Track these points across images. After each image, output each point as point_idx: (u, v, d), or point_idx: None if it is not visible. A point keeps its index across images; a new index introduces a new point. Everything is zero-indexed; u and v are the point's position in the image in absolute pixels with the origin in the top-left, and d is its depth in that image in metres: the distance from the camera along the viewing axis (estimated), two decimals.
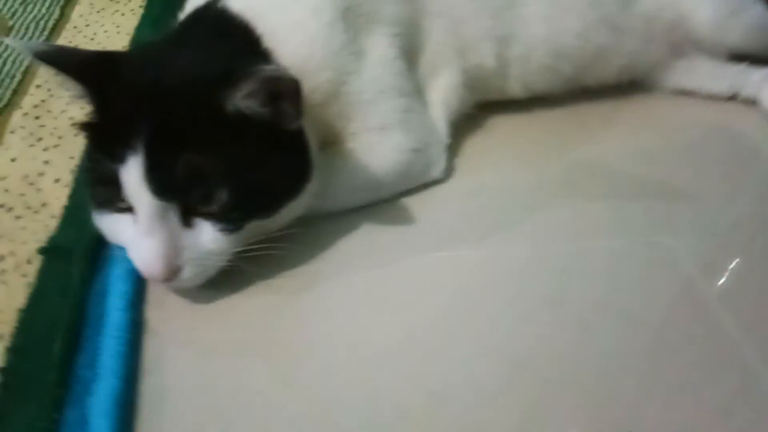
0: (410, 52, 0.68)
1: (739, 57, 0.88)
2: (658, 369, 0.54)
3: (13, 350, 0.49)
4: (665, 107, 0.87)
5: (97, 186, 0.52)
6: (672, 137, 0.82)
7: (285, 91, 0.50)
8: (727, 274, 0.63)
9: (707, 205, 0.71)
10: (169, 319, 0.55)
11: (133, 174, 0.48)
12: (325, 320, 0.56)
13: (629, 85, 0.86)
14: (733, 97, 0.87)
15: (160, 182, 0.48)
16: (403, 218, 0.66)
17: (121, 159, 0.48)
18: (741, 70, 0.86)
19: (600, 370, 0.53)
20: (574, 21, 0.75)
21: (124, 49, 0.84)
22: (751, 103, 0.86)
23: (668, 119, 0.85)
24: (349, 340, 0.55)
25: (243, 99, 0.49)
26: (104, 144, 0.50)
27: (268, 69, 0.48)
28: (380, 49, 0.64)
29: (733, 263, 0.65)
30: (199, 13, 0.60)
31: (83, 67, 0.51)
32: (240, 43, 0.56)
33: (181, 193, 0.49)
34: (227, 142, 0.50)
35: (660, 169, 0.77)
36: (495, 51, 0.73)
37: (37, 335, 0.50)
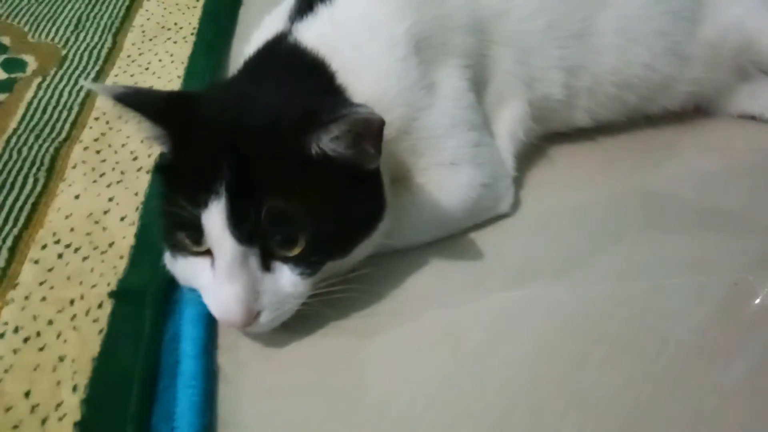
0: (478, 84, 0.66)
1: None
2: (750, 413, 0.51)
3: (89, 402, 0.47)
4: (730, 132, 0.84)
5: (175, 230, 0.50)
6: (738, 164, 0.79)
7: (370, 132, 0.48)
8: None
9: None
10: (243, 364, 0.53)
11: (215, 219, 0.47)
12: (399, 364, 0.54)
13: (693, 110, 0.84)
14: None
15: (243, 228, 0.47)
16: (472, 254, 0.64)
17: (202, 204, 0.47)
18: None
19: (683, 420, 0.51)
20: (642, 51, 0.73)
21: (179, 78, 0.83)
22: None
23: (734, 144, 0.83)
24: (423, 384, 0.53)
25: (329, 142, 0.47)
26: (184, 188, 0.48)
27: (359, 110, 0.46)
28: (451, 82, 0.62)
29: None
30: (270, 49, 0.59)
31: (161, 109, 0.49)
32: (315, 80, 0.55)
33: (263, 238, 0.48)
34: (310, 185, 0.48)
35: (732, 198, 0.74)
36: (563, 81, 0.70)
37: (112, 385, 0.48)
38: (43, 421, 0.46)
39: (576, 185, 0.74)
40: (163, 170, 0.52)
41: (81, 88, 0.79)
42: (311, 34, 0.59)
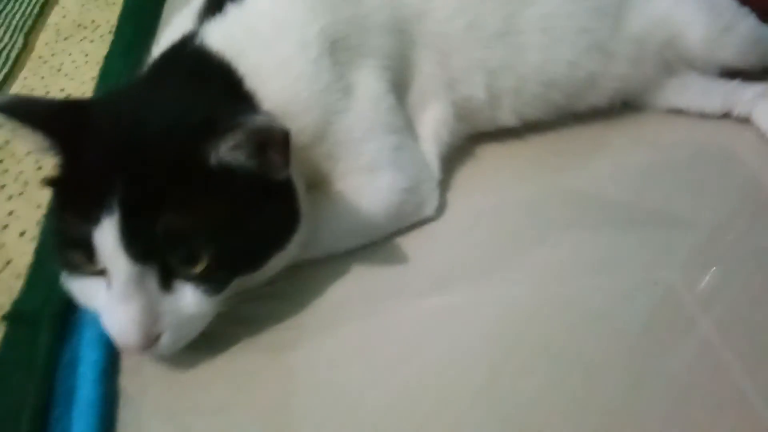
0: (399, 86, 0.65)
1: (732, 73, 0.87)
2: (665, 410, 0.51)
3: None
4: (657, 127, 0.85)
5: (66, 248, 0.47)
6: (665, 158, 0.80)
7: (273, 142, 0.46)
8: (726, 308, 0.61)
9: (703, 232, 0.69)
10: (147, 387, 0.50)
11: (107, 236, 0.44)
12: (315, 378, 0.53)
13: (620, 105, 0.84)
14: (726, 115, 0.85)
15: (137, 245, 0.44)
16: (394, 261, 0.63)
17: (94, 220, 0.44)
18: (733, 87, 0.85)
19: (604, 418, 0.51)
20: (566, 49, 0.73)
21: (94, 80, 0.79)
22: (745, 120, 0.85)
23: (661, 139, 0.83)
24: (341, 398, 0.51)
25: (228, 151, 0.45)
26: (75, 203, 0.46)
27: (256, 119, 0.44)
28: (369, 84, 0.60)
29: (732, 296, 0.63)
30: (174, 52, 0.56)
31: (49, 118, 0.46)
32: (220, 86, 0.53)
33: (161, 256, 0.45)
34: (210, 198, 0.46)
35: (654, 193, 0.74)
36: (485, 82, 0.70)
37: (1, 416, 0.45)
38: None
39: (502, 186, 0.73)
40: (55, 183, 0.49)
41: None
42: (218, 36, 0.56)
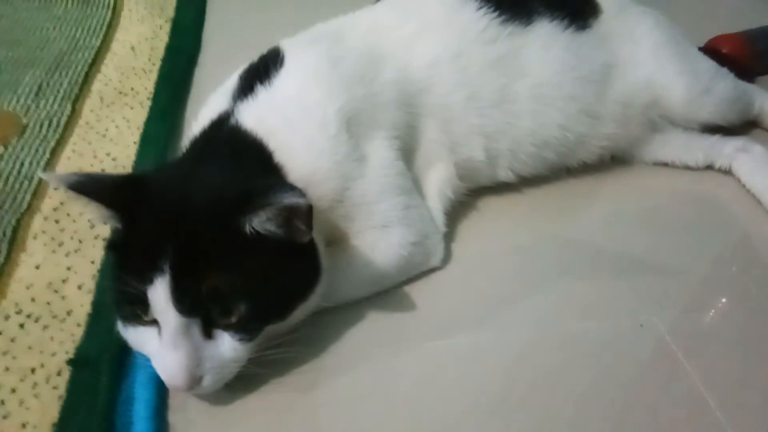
0: (407, 151, 0.74)
1: (713, 128, 0.94)
2: None
3: None
4: (645, 179, 0.93)
5: (124, 303, 0.56)
6: (652, 208, 0.88)
7: (299, 214, 0.54)
8: (707, 350, 0.68)
9: (687, 277, 0.77)
10: (192, 422, 0.58)
11: (159, 294, 0.52)
12: (334, 414, 0.60)
13: (609, 160, 0.92)
14: (709, 167, 0.93)
15: (185, 301, 0.52)
16: (404, 308, 0.71)
17: (148, 280, 0.52)
18: (714, 141, 0.93)
19: None
20: (557, 114, 0.81)
21: (136, 144, 0.89)
22: (726, 171, 0.92)
23: (648, 190, 0.91)
24: (359, 430, 0.59)
25: (261, 223, 0.53)
26: (132, 264, 0.54)
27: (285, 198, 0.52)
28: (381, 153, 0.69)
29: (712, 339, 0.69)
30: (213, 130, 0.65)
31: (112, 193, 0.55)
32: (254, 160, 0.61)
33: (204, 310, 0.54)
34: (246, 260, 0.54)
35: (641, 241, 0.82)
36: (483, 145, 0.78)
37: None
38: None
39: (502, 236, 0.81)
40: (114, 247, 0.57)
41: (41, 157, 0.84)
42: (251, 116, 0.65)
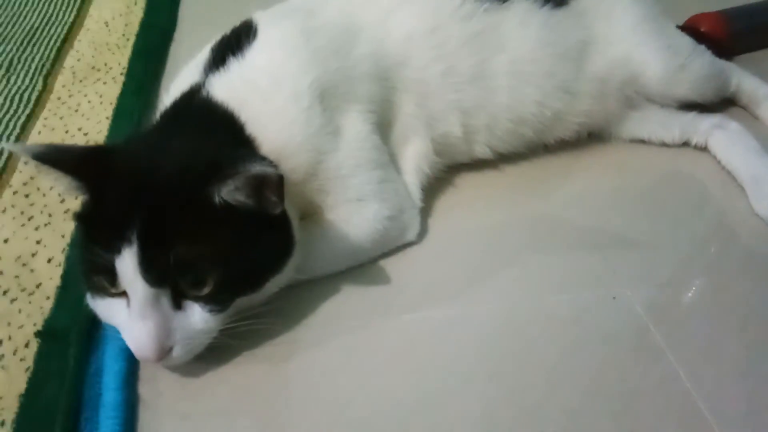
0: (383, 125, 0.73)
1: (689, 106, 0.95)
2: (621, 414, 0.59)
3: None
4: (621, 156, 0.93)
5: (92, 274, 0.55)
6: (628, 184, 0.88)
7: (269, 184, 0.54)
8: (676, 322, 0.68)
9: (661, 253, 0.77)
10: (162, 393, 0.58)
11: (127, 264, 0.52)
12: (307, 386, 0.60)
13: (587, 136, 0.93)
14: (685, 144, 0.94)
15: (153, 271, 0.52)
16: (379, 281, 0.71)
17: (116, 250, 0.52)
18: (691, 118, 0.93)
19: (563, 415, 0.58)
20: (533, 90, 0.81)
21: (108, 119, 0.87)
22: (702, 148, 0.93)
23: (624, 167, 0.91)
24: (331, 403, 0.59)
25: (230, 193, 0.53)
26: (99, 235, 0.53)
27: (254, 167, 0.52)
28: (355, 126, 0.69)
29: (686, 316, 0.70)
30: (184, 101, 0.65)
31: (78, 164, 0.54)
32: (224, 132, 0.61)
33: (173, 280, 0.53)
34: (215, 231, 0.54)
35: (617, 218, 0.82)
36: (460, 121, 0.78)
37: (38, 420, 0.53)
38: None
39: (478, 212, 0.81)
40: (81, 219, 0.56)
41: (11, 132, 0.83)
42: (223, 87, 0.64)
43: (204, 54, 0.71)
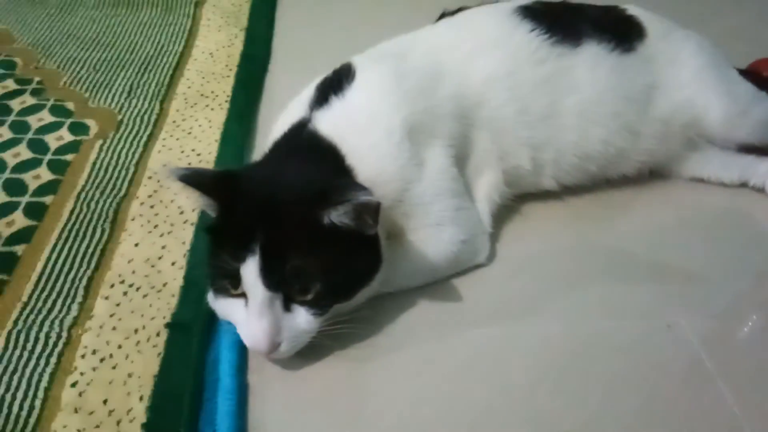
0: (460, 158, 0.82)
1: (748, 148, 1.00)
2: None
3: (152, 409, 0.63)
4: (681, 193, 0.99)
5: (218, 277, 0.66)
6: (686, 221, 0.94)
7: (369, 211, 0.63)
8: (727, 352, 0.74)
9: (716, 286, 0.83)
10: (268, 382, 0.68)
11: (250, 271, 0.62)
12: (384, 384, 0.69)
13: (649, 174, 0.99)
14: (743, 185, 0.99)
15: (271, 278, 0.62)
16: (452, 298, 0.79)
17: (241, 259, 0.62)
18: (750, 161, 0.98)
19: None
20: (599, 130, 0.88)
21: (216, 141, 1.00)
22: (760, 190, 0.97)
23: (683, 204, 0.97)
24: (402, 402, 0.67)
25: (338, 216, 0.63)
26: (227, 246, 0.64)
27: (361, 196, 0.61)
28: (437, 159, 0.78)
29: (736, 347, 0.75)
30: (293, 134, 0.75)
31: (213, 186, 0.65)
32: (329, 162, 0.71)
33: (286, 287, 0.63)
34: (322, 247, 0.64)
35: (675, 252, 0.88)
36: (530, 155, 0.86)
37: (169, 396, 0.64)
38: (118, 423, 0.62)
39: (543, 239, 0.89)
40: (212, 231, 0.68)
41: (136, 150, 0.96)
42: (326, 123, 0.75)
43: (309, 91, 0.82)
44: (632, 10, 1.00)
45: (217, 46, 1.24)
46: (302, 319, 0.65)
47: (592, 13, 0.97)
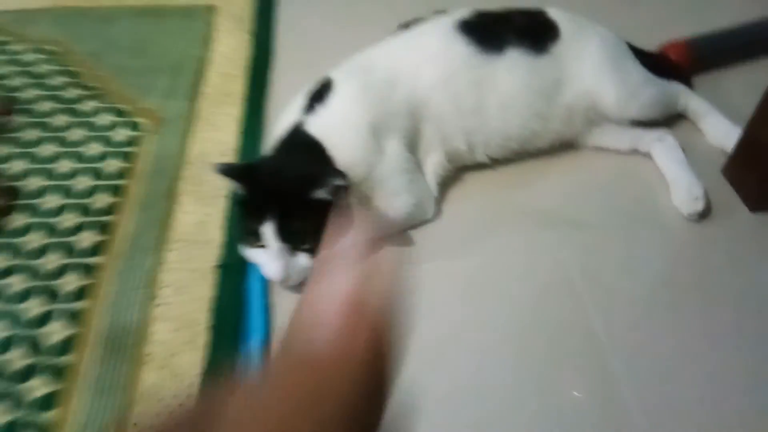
0: (412, 144, 1.16)
1: (638, 123, 1.31)
2: (530, 349, 1.01)
3: (213, 317, 1.00)
4: (585, 159, 1.30)
5: (247, 235, 1.01)
6: (588, 182, 1.26)
7: (343, 188, 0.98)
8: (599, 275, 1.09)
9: (599, 230, 1.16)
10: (284, 301, 1.04)
11: (268, 230, 0.97)
12: None
13: (560, 145, 1.31)
14: (634, 152, 1.31)
15: (282, 235, 0.97)
16: (408, 244, 1.14)
17: (262, 223, 0.98)
18: (638, 132, 1.29)
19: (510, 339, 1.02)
20: (517, 118, 1.20)
21: (239, 132, 1.34)
22: (646, 155, 1.30)
23: (587, 168, 1.29)
24: None
25: (323, 193, 0.97)
26: (251, 214, 0.99)
27: (335, 180, 0.96)
28: (393, 148, 1.11)
29: (609, 278, 1.10)
30: (292, 134, 1.08)
31: (240, 175, 1.00)
32: (317, 154, 1.05)
33: (291, 239, 0.99)
34: (313, 213, 0.98)
35: (576, 205, 1.21)
36: (465, 139, 1.19)
37: (222, 311, 1.00)
38: (190, 327, 0.99)
39: (477, 199, 1.22)
40: (240, 204, 1.03)
41: (178, 142, 1.30)
42: (314, 126, 1.08)
43: (300, 99, 1.15)
44: (552, 13, 1.29)
45: (230, 50, 1.56)
46: (303, 260, 1.00)
47: (518, 21, 1.26)
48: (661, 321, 1.02)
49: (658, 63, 1.39)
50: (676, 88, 1.37)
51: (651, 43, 1.45)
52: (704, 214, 1.17)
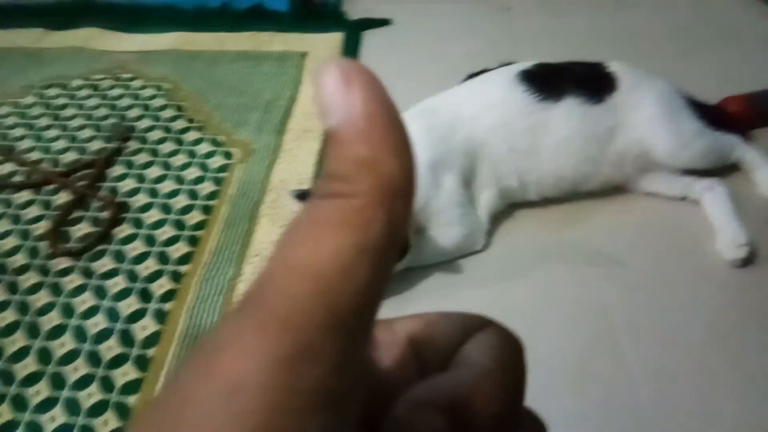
0: (467, 181, 1.28)
1: (690, 171, 1.37)
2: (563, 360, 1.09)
3: None
4: (634, 203, 1.36)
5: None
6: (636, 225, 1.32)
7: None
8: (642, 327, 1.15)
9: (643, 272, 1.23)
10: None
11: None
12: None
13: (610, 189, 1.38)
14: (683, 199, 1.36)
15: None
16: (457, 272, 1.25)
17: None
18: (689, 180, 1.35)
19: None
20: (570, 160, 1.30)
21: (314, 165, 1.51)
22: (695, 203, 1.35)
23: (635, 212, 1.34)
24: None
25: None
26: None
27: None
28: (449, 183, 1.24)
29: (649, 319, 1.16)
30: None
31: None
32: None
33: None
34: None
35: (622, 246, 1.29)
36: (518, 179, 1.30)
37: None
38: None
39: (527, 235, 1.31)
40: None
41: (263, 170, 1.49)
42: None
43: None
44: (613, 66, 1.40)
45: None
46: None
47: (578, 72, 1.37)
48: (698, 364, 1.07)
49: (715, 115, 1.45)
50: (731, 140, 1.41)
51: (713, 96, 1.50)
52: (748, 261, 1.21)
